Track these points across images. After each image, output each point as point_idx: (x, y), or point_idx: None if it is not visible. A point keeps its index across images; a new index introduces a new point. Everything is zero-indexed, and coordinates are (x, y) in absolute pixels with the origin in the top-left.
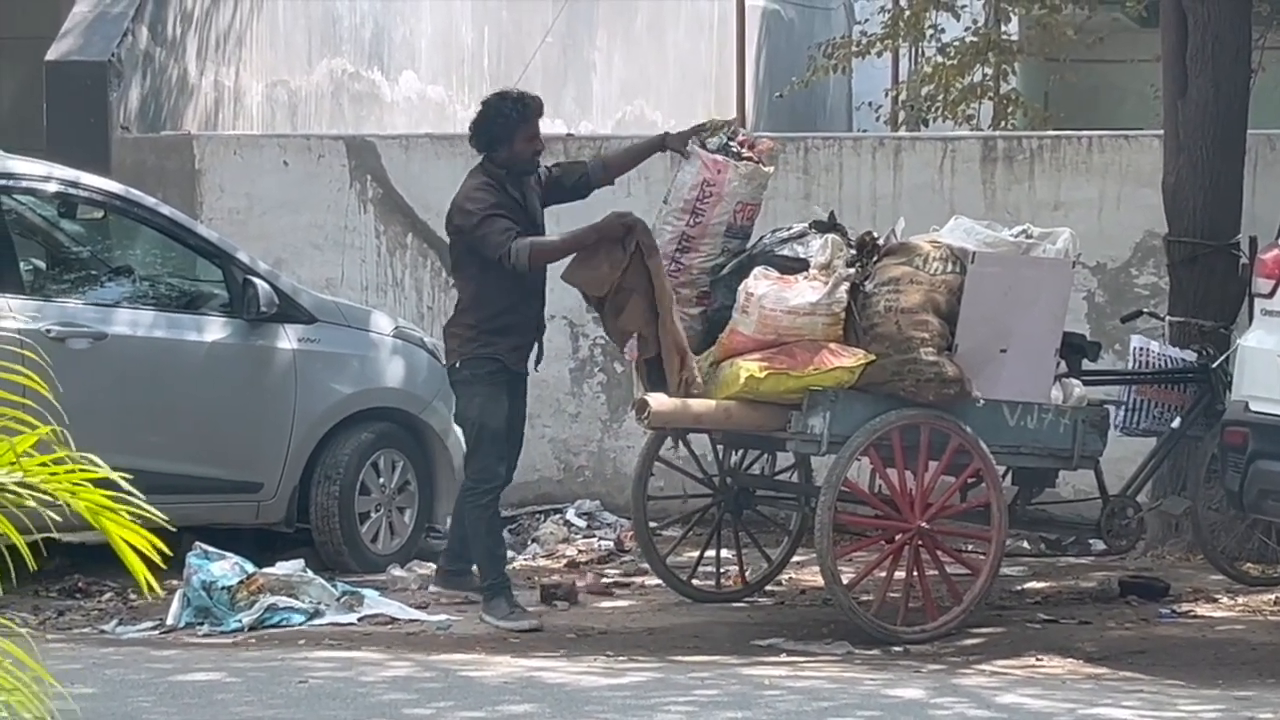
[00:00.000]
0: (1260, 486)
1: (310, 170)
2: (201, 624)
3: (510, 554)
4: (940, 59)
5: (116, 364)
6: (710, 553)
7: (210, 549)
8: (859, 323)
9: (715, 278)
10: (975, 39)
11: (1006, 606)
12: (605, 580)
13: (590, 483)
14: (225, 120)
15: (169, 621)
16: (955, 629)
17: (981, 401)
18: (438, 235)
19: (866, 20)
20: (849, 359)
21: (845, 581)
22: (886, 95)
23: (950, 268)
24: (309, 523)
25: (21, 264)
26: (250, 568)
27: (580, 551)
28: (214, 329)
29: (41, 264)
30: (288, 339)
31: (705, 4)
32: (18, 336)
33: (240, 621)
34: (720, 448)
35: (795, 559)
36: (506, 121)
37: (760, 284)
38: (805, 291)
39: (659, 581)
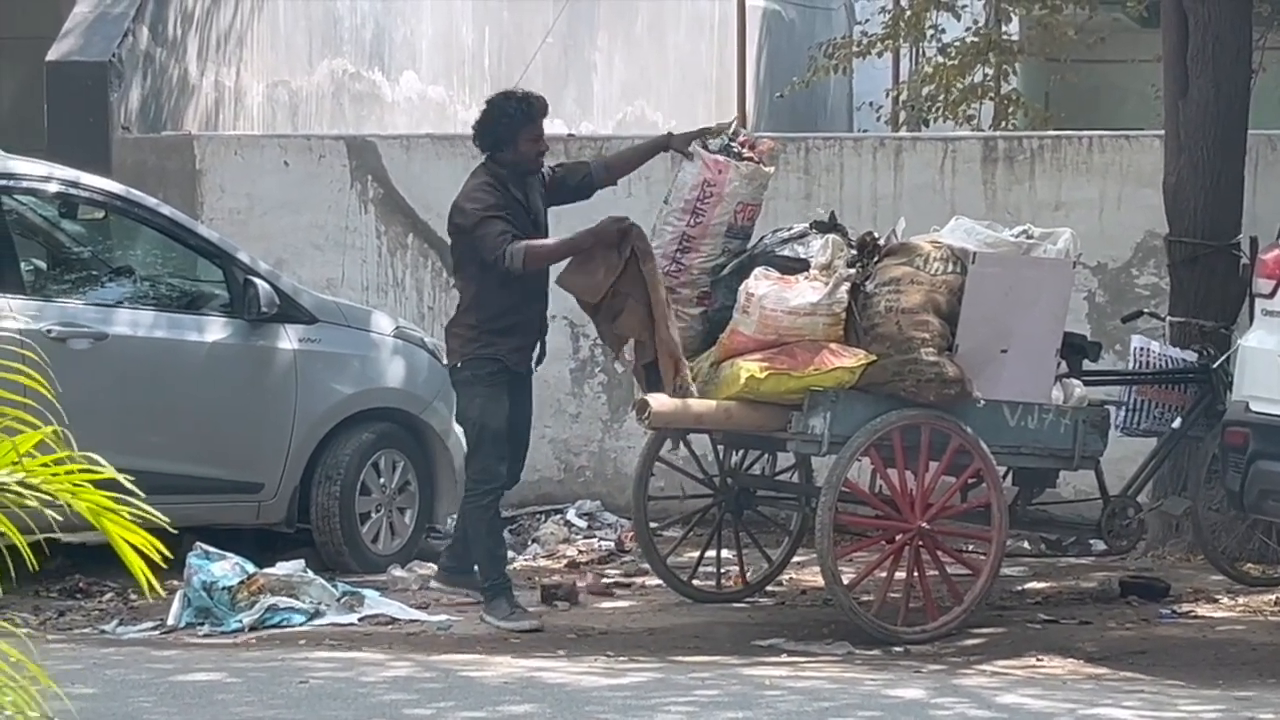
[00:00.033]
0: (1261, 487)
1: (311, 170)
2: (202, 624)
3: (511, 554)
4: (941, 59)
5: (117, 364)
6: (711, 553)
7: (211, 549)
8: (860, 323)
9: (716, 278)
10: (976, 39)
11: (1007, 607)
12: (606, 580)
13: (591, 483)
14: (226, 120)
15: (169, 622)
16: (956, 629)
17: (982, 402)
18: (438, 236)
19: (867, 20)
20: (850, 359)
21: (846, 582)
22: (887, 95)
23: (951, 268)
24: (309, 523)
25: (22, 264)
26: (251, 568)
27: (581, 552)
28: (215, 329)
29: (42, 264)
30: (288, 339)
31: (706, 4)
32: (18, 337)
33: (241, 622)
34: (721, 448)
35: (796, 559)
36: (511, 121)
37: (761, 284)
38: (806, 292)
39: (659, 582)
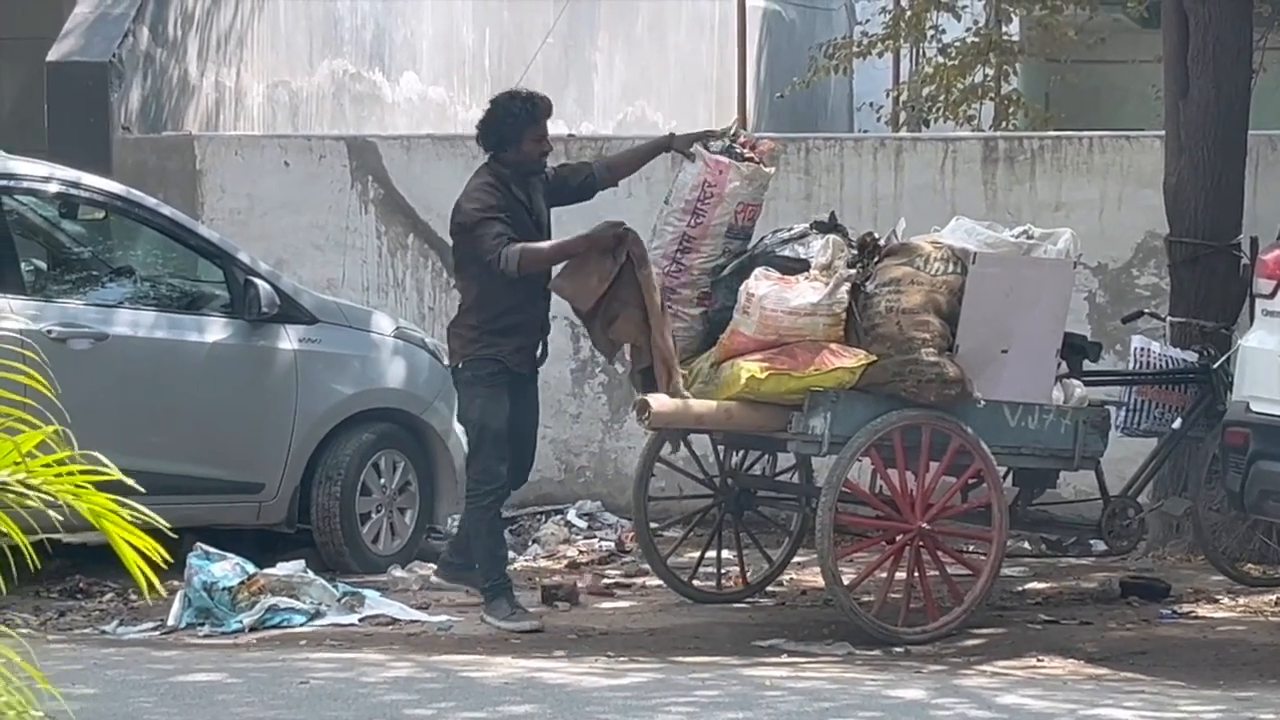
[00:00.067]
0: (1261, 487)
1: (311, 171)
2: (202, 625)
3: (511, 555)
4: (941, 59)
5: (118, 364)
6: (711, 553)
7: (211, 550)
8: (860, 323)
9: (716, 278)
10: (976, 40)
11: (1007, 607)
12: (606, 581)
13: (591, 483)
14: (226, 121)
15: (170, 622)
16: (956, 630)
17: (982, 402)
18: (439, 236)
19: (867, 21)
20: (850, 359)
21: (846, 582)
22: (887, 96)
23: (951, 268)
24: (310, 523)
25: (23, 264)
26: (251, 568)
27: (581, 552)
28: (215, 329)
29: (43, 265)
30: (289, 339)
31: (706, 5)
32: (19, 337)
33: (241, 622)
34: (721, 448)
35: (796, 560)
36: (516, 121)
37: (761, 284)
38: (806, 292)
39: (660, 582)
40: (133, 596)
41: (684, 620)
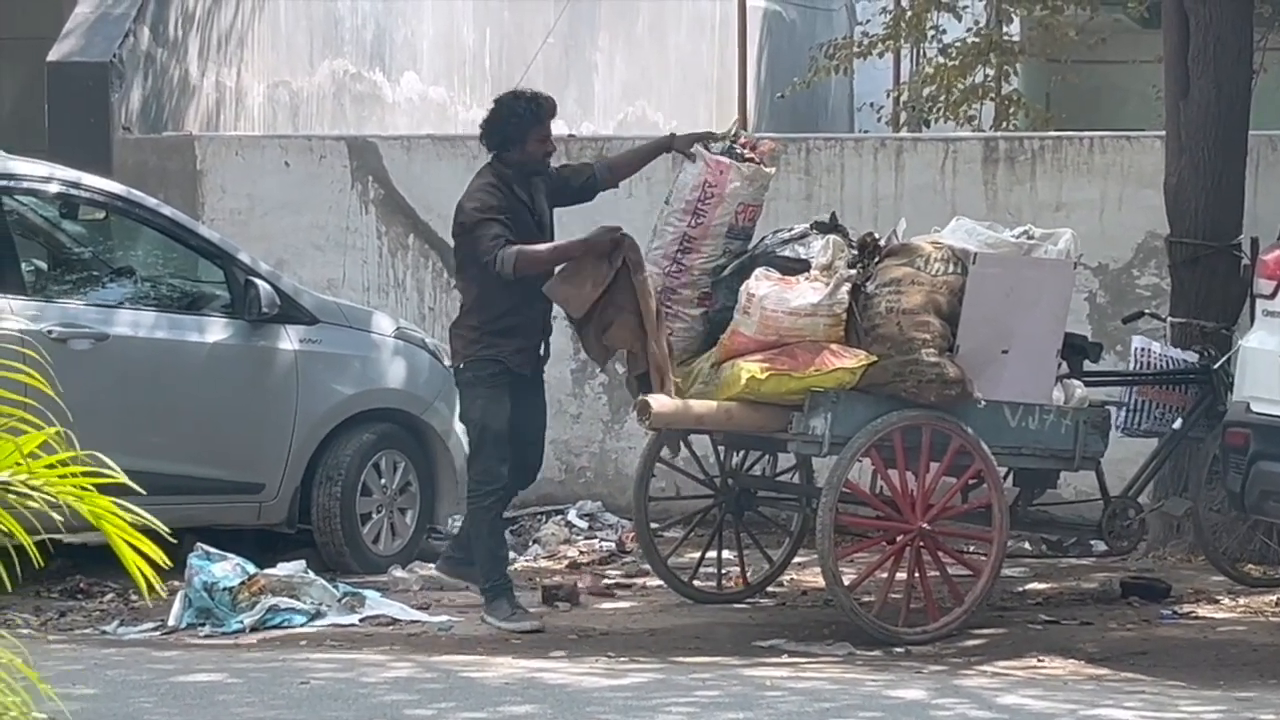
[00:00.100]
0: (1262, 488)
1: (312, 171)
2: (203, 625)
3: (512, 555)
4: (942, 60)
5: (118, 365)
6: (712, 554)
7: (212, 550)
8: (860, 324)
9: (717, 279)
10: (977, 40)
11: (1008, 608)
12: (607, 581)
13: (592, 484)
14: (227, 121)
15: (170, 622)
16: (957, 630)
17: (983, 402)
18: (439, 236)
19: (868, 21)
20: (850, 360)
21: (847, 582)
22: (888, 96)
23: (952, 269)
24: (310, 524)
25: (23, 265)
26: (252, 569)
27: (582, 552)
28: (215, 330)
29: (43, 265)
30: (289, 340)
31: (707, 5)
32: (20, 336)
33: (242, 622)
34: (722, 449)
35: (796, 560)
36: (520, 121)
37: (762, 285)
38: (807, 292)
39: (660, 582)
40: (133, 597)
41: (684, 620)
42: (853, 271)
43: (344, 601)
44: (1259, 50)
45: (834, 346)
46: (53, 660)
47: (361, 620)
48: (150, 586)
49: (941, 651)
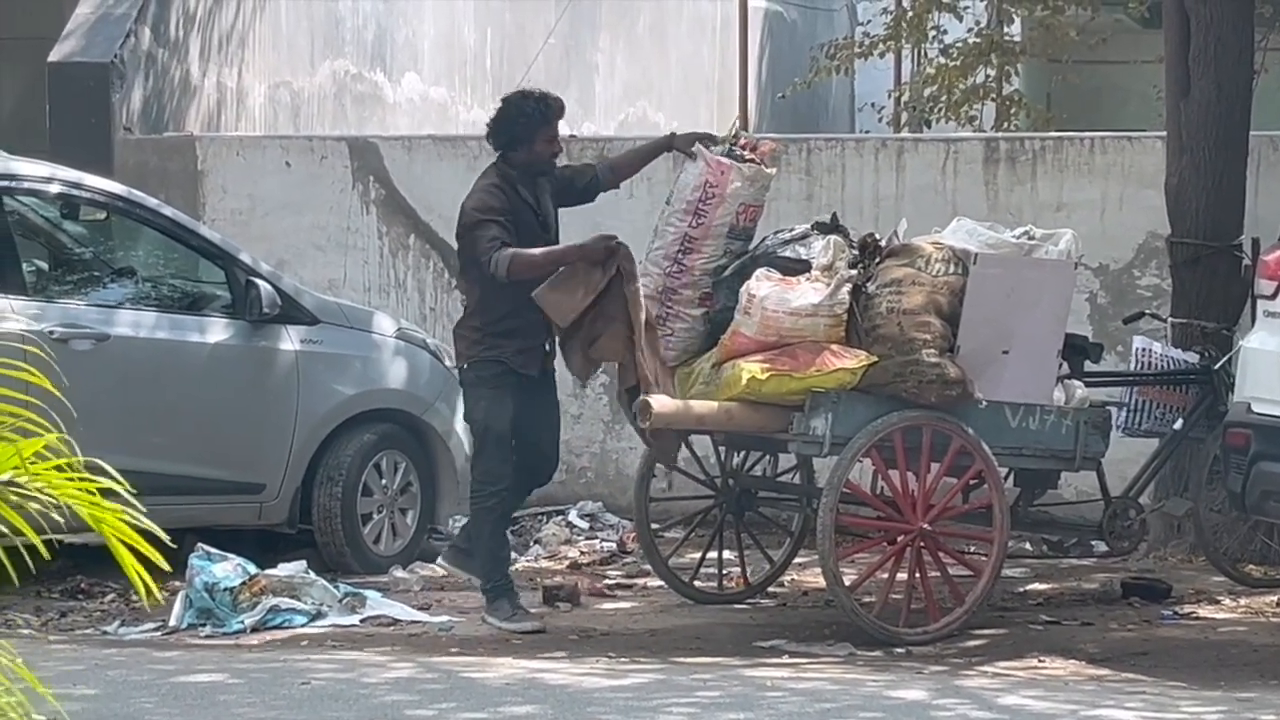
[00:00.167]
0: (1262, 488)
1: (313, 171)
2: (204, 625)
3: (513, 555)
4: (943, 60)
5: (119, 365)
6: (712, 554)
7: (212, 550)
8: (861, 324)
9: (718, 279)
10: (978, 40)
11: (1008, 608)
12: (607, 582)
13: (593, 484)
14: (228, 121)
15: (171, 623)
16: (957, 630)
17: (984, 403)
18: (440, 237)
19: (869, 21)
20: (851, 360)
21: (847, 583)
22: (889, 96)
23: (952, 269)
24: (311, 524)
25: (24, 265)
26: (252, 569)
27: (582, 553)
28: (216, 330)
29: (44, 265)
30: (290, 340)
31: (708, 5)
32: (20, 336)
33: (242, 623)
34: (722, 449)
35: (797, 560)
36: (529, 121)
37: (762, 285)
38: (807, 293)
39: (661, 583)
40: (134, 597)
41: (685, 621)
42: (853, 272)
43: (345, 602)
44: (1260, 50)
45: (835, 347)
46: (54, 660)
47: (362, 621)
48: (149, 591)
49: (942, 652)
